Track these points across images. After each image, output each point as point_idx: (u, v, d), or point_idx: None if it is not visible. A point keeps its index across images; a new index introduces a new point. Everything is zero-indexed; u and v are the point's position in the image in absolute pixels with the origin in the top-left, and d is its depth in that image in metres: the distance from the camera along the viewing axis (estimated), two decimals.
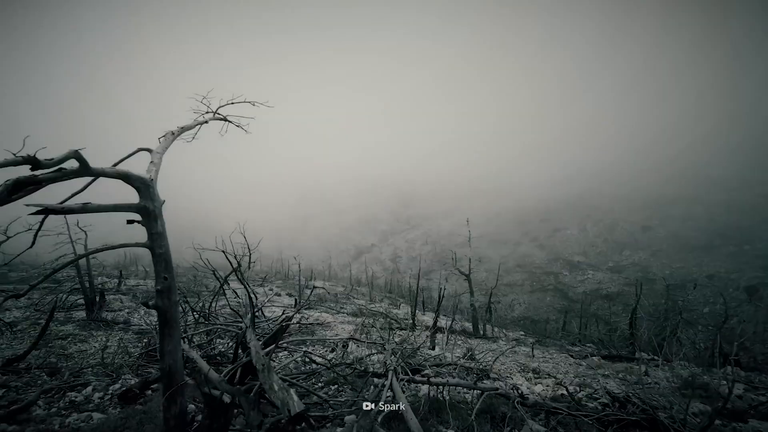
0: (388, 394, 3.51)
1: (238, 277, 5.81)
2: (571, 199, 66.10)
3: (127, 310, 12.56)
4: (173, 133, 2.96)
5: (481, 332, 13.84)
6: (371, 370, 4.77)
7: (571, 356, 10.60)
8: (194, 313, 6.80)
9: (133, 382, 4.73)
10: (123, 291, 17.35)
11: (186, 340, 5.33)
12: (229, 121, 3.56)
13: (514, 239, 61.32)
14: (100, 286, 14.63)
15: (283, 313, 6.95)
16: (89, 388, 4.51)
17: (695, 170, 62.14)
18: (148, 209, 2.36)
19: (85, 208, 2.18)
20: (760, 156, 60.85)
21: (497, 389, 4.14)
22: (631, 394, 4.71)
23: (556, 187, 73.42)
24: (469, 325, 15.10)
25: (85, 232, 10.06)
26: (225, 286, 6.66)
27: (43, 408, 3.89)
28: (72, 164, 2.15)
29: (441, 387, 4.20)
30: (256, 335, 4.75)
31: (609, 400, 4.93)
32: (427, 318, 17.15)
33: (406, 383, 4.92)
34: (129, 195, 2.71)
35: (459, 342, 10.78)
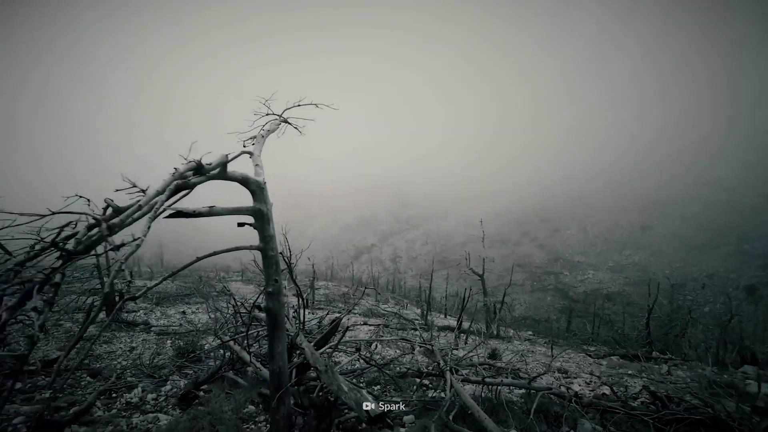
0: (451, 394, 3.55)
1: (291, 278, 5.81)
2: (571, 199, 66.44)
3: (143, 311, 12.53)
4: (263, 136, 2.99)
5: (494, 332, 13.90)
6: (424, 370, 4.82)
7: (589, 356, 10.67)
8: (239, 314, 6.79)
9: (183, 383, 4.74)
10: (133, 292, 17.31)
11: (235, 341, 5.34)
12: (295, 126, 3.59)
13: (514, 239, 61.50)
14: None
15: (327, 314, 6.99)
16: (138, 389, 4.51)
17: (695, 170, 62.59)
18: (262, 212, 2.39)
19: (212, 212, 2.21)
20: (760, 156, 61.39)
21: (551, 388, 4.19)
22: (671, 393, 4.76)
23: (556, 187, 73.77)
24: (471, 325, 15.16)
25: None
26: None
27: (102, 409, 3.90)
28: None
29: (493, 387, 4.24)
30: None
31: (650, 399, 4.98)
32: (435, 318, 17.18)
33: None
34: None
35: (474, 341, 10.83)
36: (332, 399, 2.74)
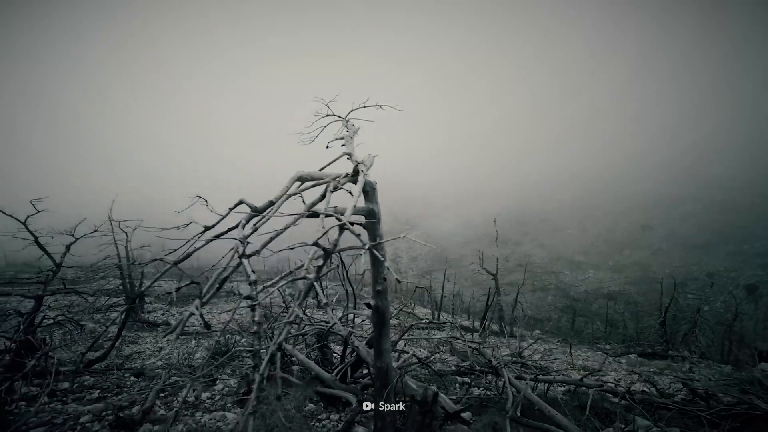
0: (513, 391, 3.61)
1: (345, 278, 5.85)
2: (571, 199, 66.72)
3: (160, 311, 12.56)
4: (351, 137, 3.04)
5: (507, 332, 13.97)
6: (477, 368, 4.88)
7: (606, 353, 10.78)
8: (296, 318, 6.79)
9: (233, 381, 4.78)
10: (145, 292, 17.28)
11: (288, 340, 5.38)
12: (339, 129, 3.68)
13: (514, 239, 61.68)
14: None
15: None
16: (188, 388, 4.54)
17: (695, 170, 63.01)
18: (374, 212, 2.45)
19: (336, 212, 2.28)
20: (759, 156, 61.88)
21: (602, 385, 4.27)
22: (710, 390, 4.84)
23: (556, 187, 74.02)
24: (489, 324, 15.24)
25: (126, 233, 9.99)
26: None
27: (163, 408, 3.94)
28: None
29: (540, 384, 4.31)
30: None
31: (690, 396, 5.06)
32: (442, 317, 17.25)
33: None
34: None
35: (492, 340, 10.92)
36: (433, 394, 2.79)
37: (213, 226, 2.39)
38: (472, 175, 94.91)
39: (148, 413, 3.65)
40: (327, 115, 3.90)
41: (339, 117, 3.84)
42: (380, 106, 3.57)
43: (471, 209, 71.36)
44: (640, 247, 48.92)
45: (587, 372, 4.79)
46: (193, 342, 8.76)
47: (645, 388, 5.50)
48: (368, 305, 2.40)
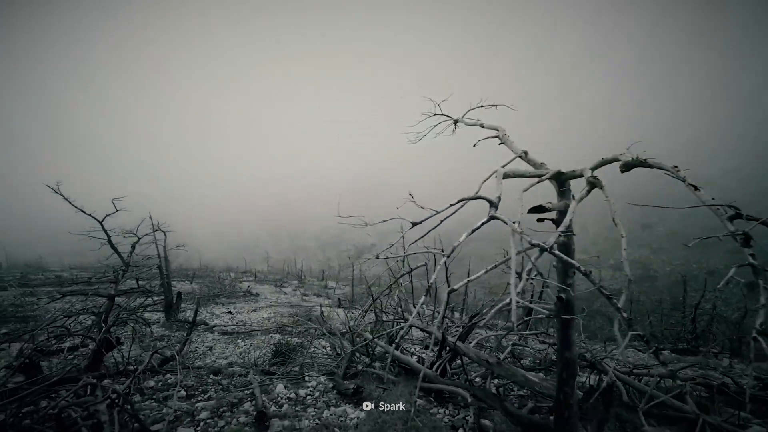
0: (621, 385, 3.70)
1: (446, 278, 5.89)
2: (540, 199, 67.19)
3: (189, 311, 12.50)
4: (499, 138, 3.11)
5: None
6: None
7: (639, 350, 10.94)
8: (381, 311, 6.84)
9: (322, 378, 4.82)
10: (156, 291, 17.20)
11: (387, 338, 5.43)
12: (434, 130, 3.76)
13: (498, 240, 61.95)
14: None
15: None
16: (280, 386, 4.57)
17: (692, 168, 63.81)
18: (568, 206, 2.53)
19: (552, 207, 2.35)
20: (756, 153, 62.89)
21: (695, 378, 4.38)
22: None
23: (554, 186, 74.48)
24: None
25: (164, 233, 9.97)
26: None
27: (271, 405, 3.96)
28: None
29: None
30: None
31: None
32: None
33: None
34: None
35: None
36: (610, 384, 2.87)
37: (420, 222, 2.45)
38: (472, 175, 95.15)
39: (267, 409, 3.68)
40: (435, 115, 3.96)
41: (448, 117, 3.90)
42: (495, 106, 3.64)
43: (471, 208, 71.61)
44: (640, 246, 49.54)
45: (680, 367, 4.90)
46: (240, 341, 8.77)
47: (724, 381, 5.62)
48: (560, 298, 2.47)
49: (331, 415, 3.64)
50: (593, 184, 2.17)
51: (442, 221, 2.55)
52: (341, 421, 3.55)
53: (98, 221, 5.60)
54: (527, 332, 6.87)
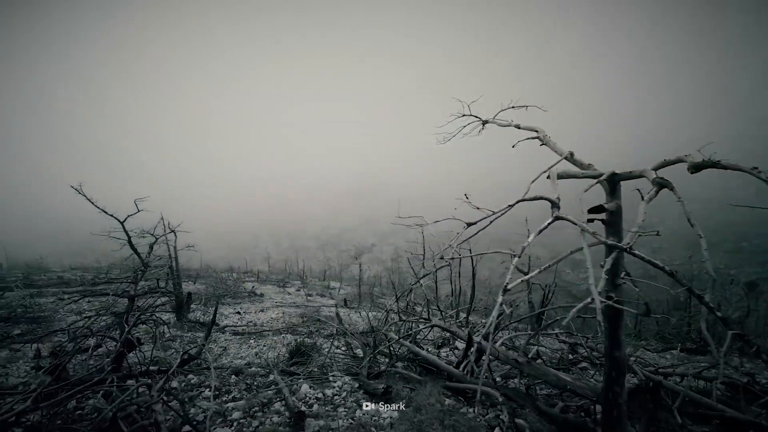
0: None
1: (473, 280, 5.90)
2: (570, 198, 67.37)
3: (199, 312, 12.48)
4: (540, 139, 3.14)
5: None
6: (597, 361, 5.01)
7: (647, 349, 10.99)
8: (400, 314, 6.84)
9: (347, 378, 4.83)
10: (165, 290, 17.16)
11: (411, 338, 5.45)
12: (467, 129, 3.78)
13: (514, 238, 62.06)
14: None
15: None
16: (305, 387, 4.58)
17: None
18: (620, 207, 2.57)
19: (607, 209, 2.37)
20: (756, 153, 63.19)
21: (716, 378, 4.41)
22: None
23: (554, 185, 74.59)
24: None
25: (175, 233, 9.93)
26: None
27: (299, 404, 3.98)
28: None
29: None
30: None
31: None
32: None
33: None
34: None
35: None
36: (657, 383, 2.90)
37: (475, 222, 2.47)
38: (470, 175, 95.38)
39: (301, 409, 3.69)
40: (463, 115, 3.98)
41: (477, 117, 3.92)
42: (526, 107, 3.66)
43: (468, 208, 71.76)
44: (640, 246, 49.39)
45: (707, 365, 4.93)
46: (252, 341, 8.77)
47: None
48: (609, 297, 2.49)
49: (363, 414, 3.65)
50: (662, 184, 2.19)
51: (491, 222, 2.56)
52: (375, 420, 3.56)
53: (120, 221, 5.60)
54: (556, 331, 6.89)
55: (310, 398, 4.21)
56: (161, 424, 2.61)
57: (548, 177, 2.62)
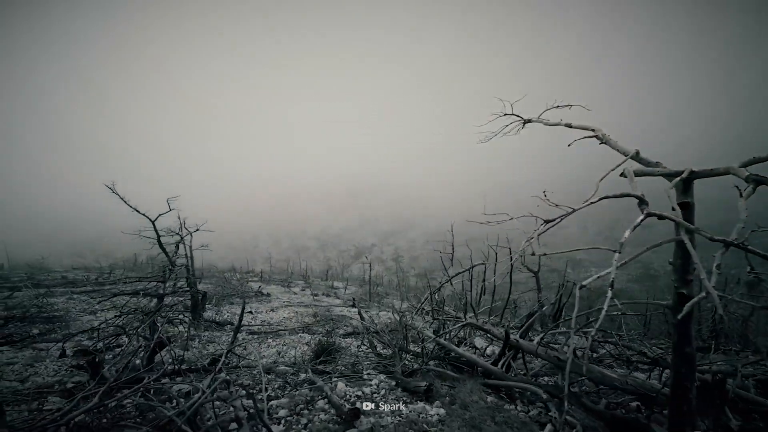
0: None
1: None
2: (569, 198, 67.58)
3: (213, 311, 12.46)
4: (598, 138, 3.16)
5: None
6: (634, 359, 5.04)
7: (660, 348, 11.07)
8: (433, 313, 6.85)
9: (382, 377, 4.84)
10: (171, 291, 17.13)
11: (444, 337, 5.46)
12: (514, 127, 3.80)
13: (514, 238, 62.23)
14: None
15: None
16: (341, 385, 4.59)
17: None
18: (691, 204, 2.60)
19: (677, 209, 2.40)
20: (754, 152, 63.52)
21: (755, 375, 4.45)
22: None
23: (554, 185, 74.91)
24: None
25: (191, 233, 9.92)
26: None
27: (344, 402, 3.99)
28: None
29: None
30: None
31: None
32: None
33: None
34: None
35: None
36: (722, 379, 2.92)
37: (554, 220, 2.48)
38: (470, 175, 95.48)
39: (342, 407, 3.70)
40: (505, 114, 4.00)
41: (519, 117, 3.94)
42: (570, 106, 3.67)
43: (470, 207, 72.02)
44: (641, 245, 49.66)
45: (721, 362, 4.97)
46: (271, 341, 8.77)
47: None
48: (680, 294, 2.51)
49: (410, 412, 3.66)
50: (758, 181, 2.20)
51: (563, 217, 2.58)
52: (422, 417, 3.57)
53: (151, 221, 5.60)
54: (595, 328, 6.91)
55: (350, 396, 4.22)
56: (242, 420, 2.61)
57: (620, 175, 2.63)
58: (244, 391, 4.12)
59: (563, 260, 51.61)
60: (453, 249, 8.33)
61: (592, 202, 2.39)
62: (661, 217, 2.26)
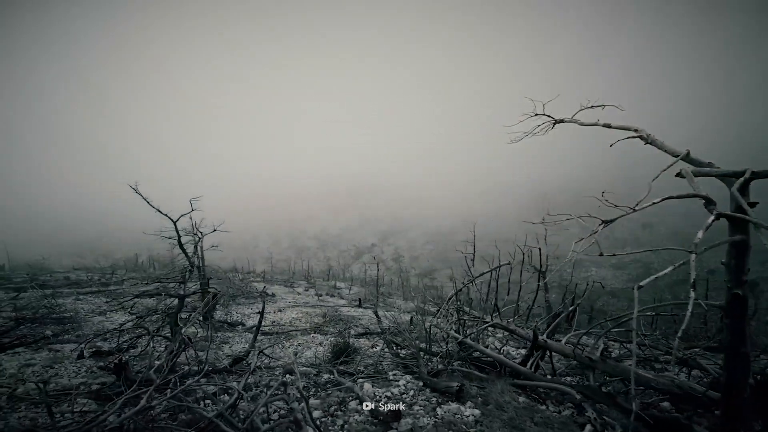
0: None
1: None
2: (570, 197, 67.75)
3: (220, 312, 12.42)
4: (642, 139, 3.15)
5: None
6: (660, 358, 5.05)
7: (669, 347, 11.09)
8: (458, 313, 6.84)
9: (408, 378, 4.83)
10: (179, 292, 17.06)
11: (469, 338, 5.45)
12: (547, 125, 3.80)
13: (515, 238, 62.26)
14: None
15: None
16: (367, 386, 4.58)
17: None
18: (740, 205, 2.60)
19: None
20: (754, 153, 63.79)
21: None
22: None
23: (554, 184, 75.04)
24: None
25: (201, 234, 9.88)
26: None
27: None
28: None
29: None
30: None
31: None
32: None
33: None
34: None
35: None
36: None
37: (612, 220, 2.48)
38: (469, 174, 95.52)
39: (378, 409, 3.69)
40: (536, 114, 4.00)
41: (550, 117, 3.94)
42: (603, 106, 3.67)
43: (470, 207, 72.09)
44: (641, 245, 50.05)
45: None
46: (284, 341, 8.75)
47: None
48: (736, 294, 2.51)
49: (445, 413, 3.65)
50: None
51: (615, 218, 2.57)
52: (457, 418, 3.56)
53: (173, 221, 5.57)
54: (624, 329, 6.94)
55: (380, 397, 4.20)
56: (300, 422, 2.59)
57: (676, 175, 2.63)
58: (299, 393, 4.10)
59: (562, 259, 51.83)
60: (474, 249, 8.31)
61: (654, 203, 2.38)
62: (731, 218, 2.24)
